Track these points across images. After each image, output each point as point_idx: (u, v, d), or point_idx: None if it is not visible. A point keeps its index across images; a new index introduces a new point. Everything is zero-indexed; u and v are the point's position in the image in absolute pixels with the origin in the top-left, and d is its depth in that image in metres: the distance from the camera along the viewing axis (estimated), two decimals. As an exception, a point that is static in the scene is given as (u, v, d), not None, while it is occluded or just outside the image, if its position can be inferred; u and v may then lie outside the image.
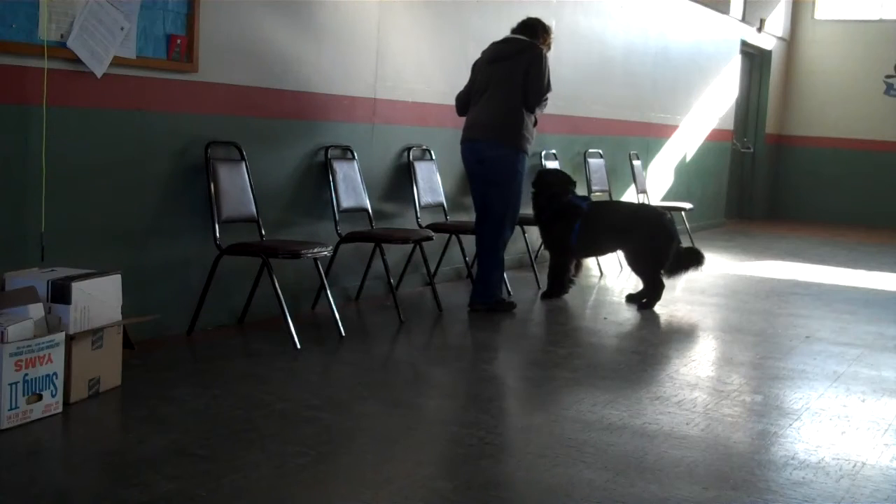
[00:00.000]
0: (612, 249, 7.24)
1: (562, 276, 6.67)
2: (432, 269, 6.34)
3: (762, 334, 5.90)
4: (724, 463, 3.49)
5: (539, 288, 6.94)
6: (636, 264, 6.67)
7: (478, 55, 6.01)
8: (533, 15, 6.08)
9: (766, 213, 14.40)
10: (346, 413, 3.84)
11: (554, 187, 6.63)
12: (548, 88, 5.87)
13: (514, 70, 5.78)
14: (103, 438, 3.57)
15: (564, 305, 6.55)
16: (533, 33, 5.97)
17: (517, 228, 7.41)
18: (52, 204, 4.22)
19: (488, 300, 5.99)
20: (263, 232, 5.19)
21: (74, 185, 4.36)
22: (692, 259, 6.73)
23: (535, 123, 5.99)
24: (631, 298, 6.67)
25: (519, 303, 6.32)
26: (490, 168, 5.85)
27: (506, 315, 5.96)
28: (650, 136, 10.29)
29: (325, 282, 5.21)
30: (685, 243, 9.24)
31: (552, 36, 6.14)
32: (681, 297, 6.99)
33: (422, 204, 6.48)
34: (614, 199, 9.00)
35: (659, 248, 6.50)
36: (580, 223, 6.48)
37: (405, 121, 6.42)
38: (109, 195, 4.54)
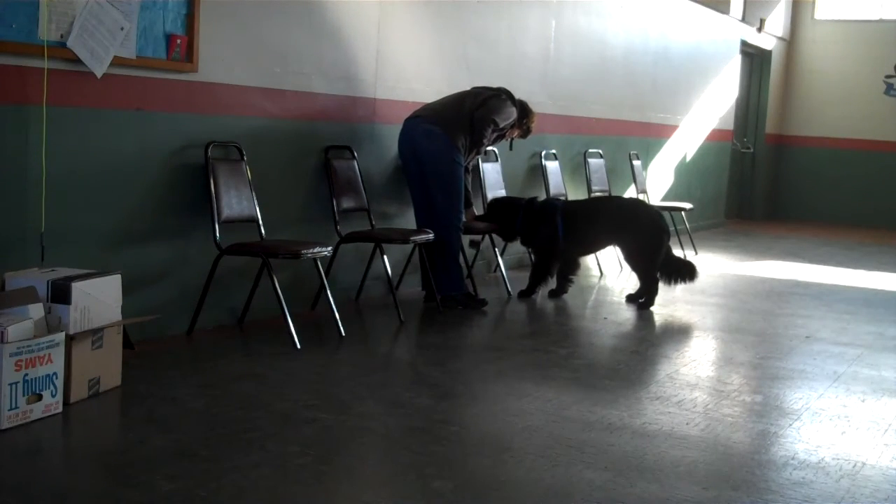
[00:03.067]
0: (604, 244, 7.07)
1: (543, 278, 6.59)
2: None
3: (762, 334, 5.90)
4: (724, 463, 3.49)
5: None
6: (628, 261, 6.71)
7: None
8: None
9: (766, 213, 14.39)
10: (346, 413, 3.84)
11: (512, 208, 6.57)
12: (492, 125, 5.99)
13: (476, 96, 6.04)
14: (103, 438, 3.57)
15: (564, 305, 6.55)
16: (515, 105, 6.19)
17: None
18: (52, 204, 4.22)
19: (455, 292, 5.99)
20: (263, 232, 5.19)
21: (74, 186, 4.36)
22: (685, 272, 6.62)
23: (473, 149, 6.04)
24: (631, 298, 6.66)
25: (519, 303, 6.31)
26: (428, 165, 5.91)
27: (505, 315, 5.96)
28: (650, 136, 10.29)
29: (325, 282, 5.21)
30: (685, 244, 9.33)
31: (532, 122, 6.38)
32: (681, 297, 6.99)
33: (422, 204, 6.46)
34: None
35: (647, 245, 6.46)
36: (561, 219, 6.44)
37: (405, 121, 6.41)
38: (109, 195, 4.54)
